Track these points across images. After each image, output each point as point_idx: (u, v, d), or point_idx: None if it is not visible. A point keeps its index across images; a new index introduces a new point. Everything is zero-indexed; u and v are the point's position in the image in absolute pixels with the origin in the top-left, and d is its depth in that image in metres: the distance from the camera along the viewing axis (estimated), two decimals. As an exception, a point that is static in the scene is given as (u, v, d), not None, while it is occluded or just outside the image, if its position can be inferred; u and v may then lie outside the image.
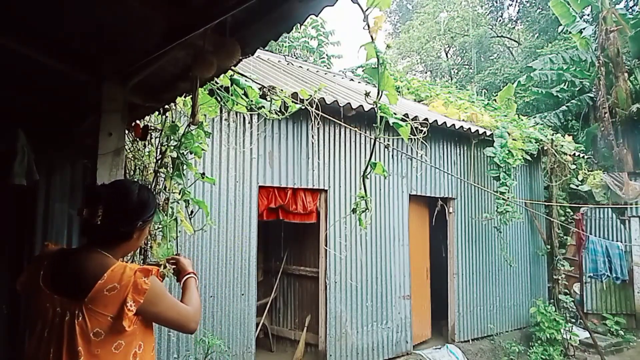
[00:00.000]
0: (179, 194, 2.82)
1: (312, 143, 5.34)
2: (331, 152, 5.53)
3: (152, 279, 1.44)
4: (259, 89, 3.41)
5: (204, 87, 2.53)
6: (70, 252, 1.60)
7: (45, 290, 1.46)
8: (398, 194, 6.20)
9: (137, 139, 2.79)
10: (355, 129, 5.53)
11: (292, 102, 3.41)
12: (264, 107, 3.03)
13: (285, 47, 13.40)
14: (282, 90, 3.94)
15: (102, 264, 1.43)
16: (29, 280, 1.54)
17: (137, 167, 2.98)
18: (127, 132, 2.47)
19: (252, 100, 2.91)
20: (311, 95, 3.89)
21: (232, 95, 2.85)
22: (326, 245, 5.35)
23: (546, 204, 8.48)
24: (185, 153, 2.79)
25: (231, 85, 2.84)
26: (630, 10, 13.88)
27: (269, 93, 3.34)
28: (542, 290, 8.23)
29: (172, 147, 2.80)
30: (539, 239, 8.29)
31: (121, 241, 1.54)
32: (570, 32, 11.84)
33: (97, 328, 1.38)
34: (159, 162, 2.89)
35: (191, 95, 2.02)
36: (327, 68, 12.23)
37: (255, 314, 4.91)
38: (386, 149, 5.82)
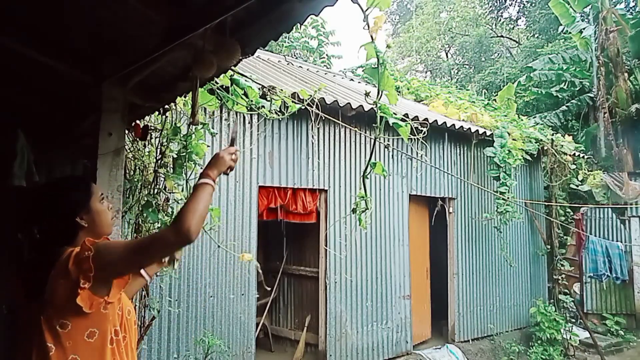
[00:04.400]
0: (181, 192, 2.83)
1: (312, 143, 5.34)
2: (331, 152, 5.52)
3: (93, 245, 1.39)
4: (259, 88, 3.40)
5: (204, 87, 2.53)
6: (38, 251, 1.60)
7: (19, 295, 1.48)
8: (398, 194, 6.20)
9: (137, 139, 2.79)
10: (355, 129, 5.52)
11: (292, 102, 3.41)
12: (264, 106, 3.03)
13: (285, 47, 13.40)
14: (282, 90, 3.94)
15: (57, 255, 1.42)
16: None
17: (137, 167, 2.98)
18: (127, 132, 2.47)
19: (252, 100, 2.91)
20: (311, 96, 3.89)
21: (232, 95, 2.85)
22: (326, 245, 5.35)
23: (546, 204, 8.48)
24: (189, 154, 2.78)
25: (231, 85, 2.84)
26: (630, 10, 13.88)
27: (269, 93, 3.34)
28: (542, 290, 8.23)
29: (173, 149, 2.80)
30: (539, 239, 8.29)
31: (73, 236, 1.50)
32: (570, 32, 11.85)
33: (61, 319, 1.38)
34: (159, 162, 2.89)
35: (191, 95, 2.02)
36: (327, 68, 12.22)
37: (255, 314, 4.91)
38: (386, 149, 5.82)
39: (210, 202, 1.52)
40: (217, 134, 4.43)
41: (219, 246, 3.84)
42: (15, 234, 3.25)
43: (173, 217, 1.49)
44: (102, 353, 1.41)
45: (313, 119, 4.76)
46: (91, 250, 1.37)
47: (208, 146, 2.98)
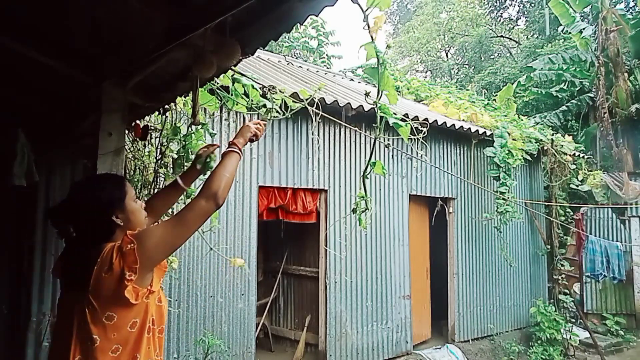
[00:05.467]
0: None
1: (312, 143, 5.34)
2: (331, 152, 5.52)
3: (134, 236, 1.42)
4: (260, 88, 3.40)
5: (204, 87, 2.52)
6: (78, 246, 1.62)
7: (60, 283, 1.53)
8: (398, 194, 6.20)
9: (137, 139, 2.79)
10: (355, 128, 5.52)
11: (293, 101, 3.41)
12: (265, 106, 3.02)
13: (285, 47, 13.40)
14: (282, 90, 3.93)
15: (98, 251, 1.44)
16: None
17: (137, 167, 2.98)
18: (127, 132, 2.47)
19: (252, 100, 2.91)
20: (311, 96, 3.88)
21: (232, 95, 2.85)
22: (326, 245, 5.35)
23: (546, 204, 8.48)
24: (189, 154, 2.78)
25: (233, 83, 2.84)
26: (630, 10, 13.88)
27: (269, 93, 3.34)
28: (542, 290, 8.23)
29: (173, 149, 2.79)
30: (539, 239, 8.29)
31: (110, 234, 1.51)
32: (570, 32, 11.84)
33: (107, 312, 1.41)
34: (159, 162, 2.89)
35: (191, 95, 2.02)
36: (327, 68, 12.22)
37: (255, 314, 4.91)
38: (386, 149, 5.82)
39: (237, 168, 1.62)
40: (216, 134, 4.43)
41: (211, 248, 3.84)
42: (15, 234, 3.25)
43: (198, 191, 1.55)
44: (139, 342, 1.44)
45: (314, 119, 4.75)
46: (133, 242, 1.39)
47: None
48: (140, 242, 1.40)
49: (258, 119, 1.97)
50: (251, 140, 1.77)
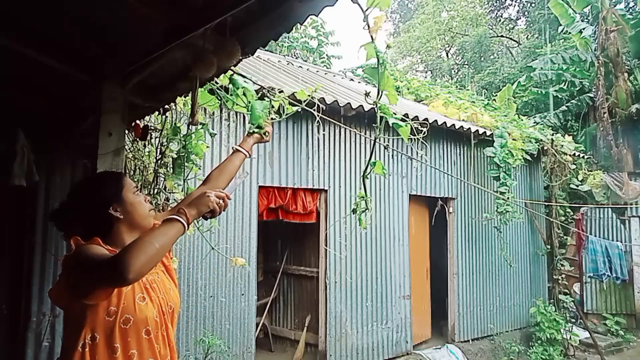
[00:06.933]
0: (181, 192, 2.82)
1: (313, 143, 5.34)
2: (331, 152, 5.52)
3: (77, 247, 1.39)
4: (259, 89, 3.40)
5: (204, 87, 2.52)
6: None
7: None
8: (398, 194, 6.20)
9: (137, 139, 2.79)
10: (355, 130, 5.53)
11: (292, 102, 3.40)
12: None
13: (285, 47, 13.40)
14: (281, 91, 3.93)
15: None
16: None
17: (137, 167, 2.98)
18: (127, 132, 2.47)
19: (249, 103, 2.91)
20: (311, 96, 3.88)
21: (231, 95, 2.85)
22: (326, 245, 5.35)
23: (546, 204, 8.48)
24: (189, 154, 2.78)
25: (229, 83, 2.83)
26: (630, 10, 13.88)
27: (267, 94, 3.34)
28: (542, 290, 8.23)
29: (172, 149, 2.79)
30: (539, 239, 8.28)
31: (109, 229, 1.50)
32: (569, 32, 11.85)
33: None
34: (159, 162, 2.89)
35: (191, 95, 2.02)
36: (327, 68, 12.22)
37: (255, 314, 4.91)
38: (386, 150, 5.81)
39: (173, 243, 1.34)
40: (216, 134, 4.43)
41: (212, 248, 3.84)
42: (15, 234, 3.25)
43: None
44: (139, 341, 1.43)
45: (317, 120, 4.75)
46: (72, 251, 1.40)
47: (207, 147, 2.98)
48: (74, 258, 1.38)
49: (241, 175, 1.83)
50: (204, 217, 1.42)
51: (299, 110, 3.31)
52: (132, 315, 1.41)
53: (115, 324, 1.37)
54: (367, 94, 2.17)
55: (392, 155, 6.11)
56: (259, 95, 3.18)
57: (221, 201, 1.40)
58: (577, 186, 9.53)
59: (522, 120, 8.90)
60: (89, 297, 1.31)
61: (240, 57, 1.92)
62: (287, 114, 3.01)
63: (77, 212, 1.53)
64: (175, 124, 2.81)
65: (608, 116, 10.34)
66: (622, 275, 8.80)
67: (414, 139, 4.91)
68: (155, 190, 2.90)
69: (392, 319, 5.97)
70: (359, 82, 10.29)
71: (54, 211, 1.58)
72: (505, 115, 9.22)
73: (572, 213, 9.50)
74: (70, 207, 1.55)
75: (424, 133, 3.81)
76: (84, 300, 1.33)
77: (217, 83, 2.64)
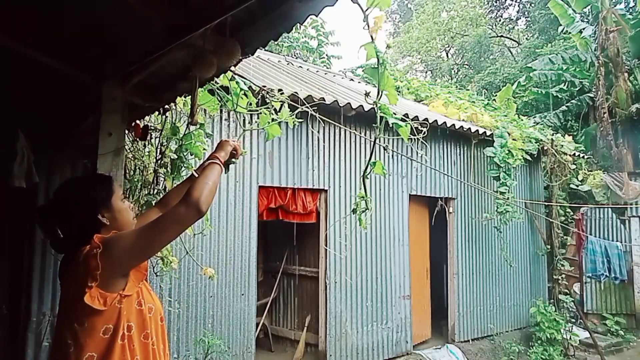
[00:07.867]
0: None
1: (312, 143, 5.34)
2: (331, 152, 5.52)
3: (102, 240, 1.38)
4: (258, 91, 3.40)
5: (204, 87, 2.52)
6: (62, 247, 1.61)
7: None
8: (398, 194, 6.20)
9: (137, 139, 2.79)
10: (355, 131, 5.53)
11: (291, 103, 3.40)
12: (268, 105, 3.01)
13: (285, 47, 13.39)
14: (281, 92, 3.93)
15: (80, 252, 1.42)
16: None
17: (137, 167, 2.98)
18: (127, 132, 2.47)
19: (250, 104, 2.91)
20: (311, 96, 3.89)
21: (231, 95, 2.85)
22: (326, 245, 5.35)
23: (546, 204, 8.48)
24: (185, 154, 2.78)
25: (230, 80, 2.83)
26: (630, 10, 13.88)
27: (267, 95, 3.33)
28: (542, 290, 8.23)
29: (171, 149, 2.79)
30: (539, 239, 8.29)
31: (96, 233, 1.48)
32: (569, 33, 11.85)
33: (79, 317, 1.37)
34: (159, 162, 2.88)
35: (190, 95, 2.02)
36: (327, 68, 12.22)
37: (255, 314, 4.91)
38: (385, 150, 5.81)
39: (219, 180, 1.58)
40: (212, 135, 4.42)
41: (187, 253, 3.80)
42: (15, 234, 3.25)
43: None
44: (111, 349, 1.37)
45: (319, 121, 4.75)
46: (99, 247, 1.36)
47: (205, 149, 2.98)
48: (106, 247, 1.36)
49: (258, 119, 1.96)
50: (232, 156, 1.76)
51: (299, 110, 3.31)
52: (152, 304, 1.52)
53: (144, 313, 1.47)
54: (367, 94, 2.17)
55: (392, 155, 6.11)
56: (259, 95, 3.17)
57: (235, 143, 1.77)
58: (577, 186, 9.53)
59: (522, 120, 8.90)
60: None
61: (240, 57, 1.92)
62: (287, 116, 3.00)
63: (65, 214, 1.51)
64: (175, 124, 2.81)
65: (608, 116, 10.35)
66: (620, 276, 8.80)
67: (414, 139, 4.91)
68: (155, 191, 2.90)
69: (392, 319, 5.97)
70: (359, 82, 10.29)
71: (41, 208, 1.56)
72: (505, 115, 9.22)
73: (572, 213, 9.50)
74: (57, 207, 1.52)
75: (424, 133, 3.81)
76: (139, 271, 1.45)
77: (217, 83, 2.64)
